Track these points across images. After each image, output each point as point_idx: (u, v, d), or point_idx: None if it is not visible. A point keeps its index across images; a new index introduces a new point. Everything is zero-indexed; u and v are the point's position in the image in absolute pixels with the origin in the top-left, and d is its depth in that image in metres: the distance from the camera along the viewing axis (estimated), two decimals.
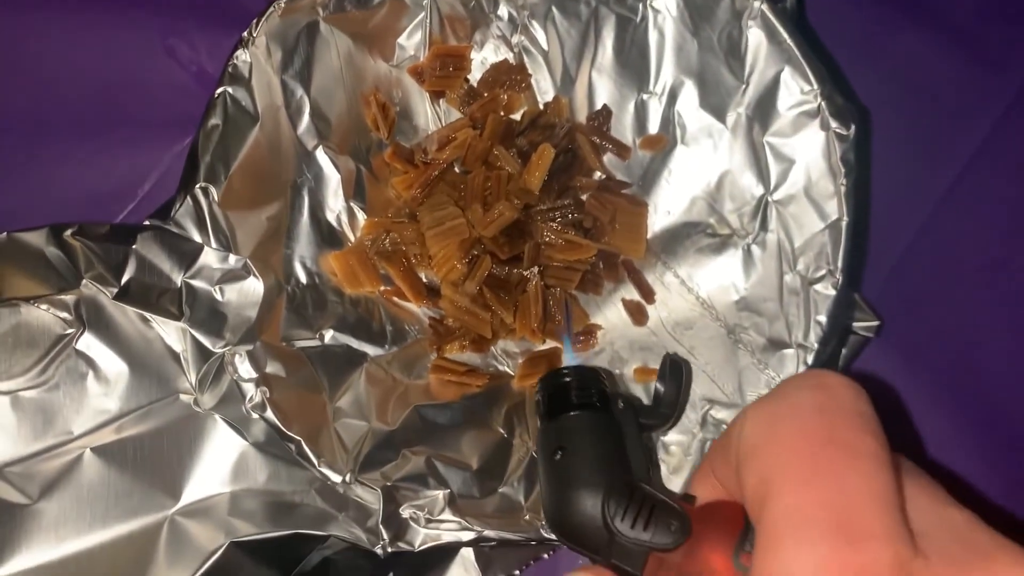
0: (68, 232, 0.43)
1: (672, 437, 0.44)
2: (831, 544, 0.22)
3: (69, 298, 0.42)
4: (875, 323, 0.46)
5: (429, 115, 0.51)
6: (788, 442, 0.25)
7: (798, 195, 0.44)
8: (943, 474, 0.47)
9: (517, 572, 0.44)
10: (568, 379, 0.38)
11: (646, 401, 0.45)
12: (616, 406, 0.37)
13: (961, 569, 0.22)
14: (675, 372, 0.42)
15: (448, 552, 0.44)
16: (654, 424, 0.41)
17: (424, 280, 0.48)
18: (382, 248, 0.47)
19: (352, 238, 0.48)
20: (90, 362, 0.43)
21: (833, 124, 0.43)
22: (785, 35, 0.43)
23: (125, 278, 0.42)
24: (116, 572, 0.41)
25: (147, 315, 0.43)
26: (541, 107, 0.50)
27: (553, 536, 0.38)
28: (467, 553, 0.44)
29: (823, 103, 0.43)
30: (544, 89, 0.50)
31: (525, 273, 0.47)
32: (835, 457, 0.24)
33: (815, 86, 0.43)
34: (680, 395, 0.42)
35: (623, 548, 0.31)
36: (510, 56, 0.50)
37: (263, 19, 0.44)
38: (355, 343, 0.45)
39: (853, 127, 0.42)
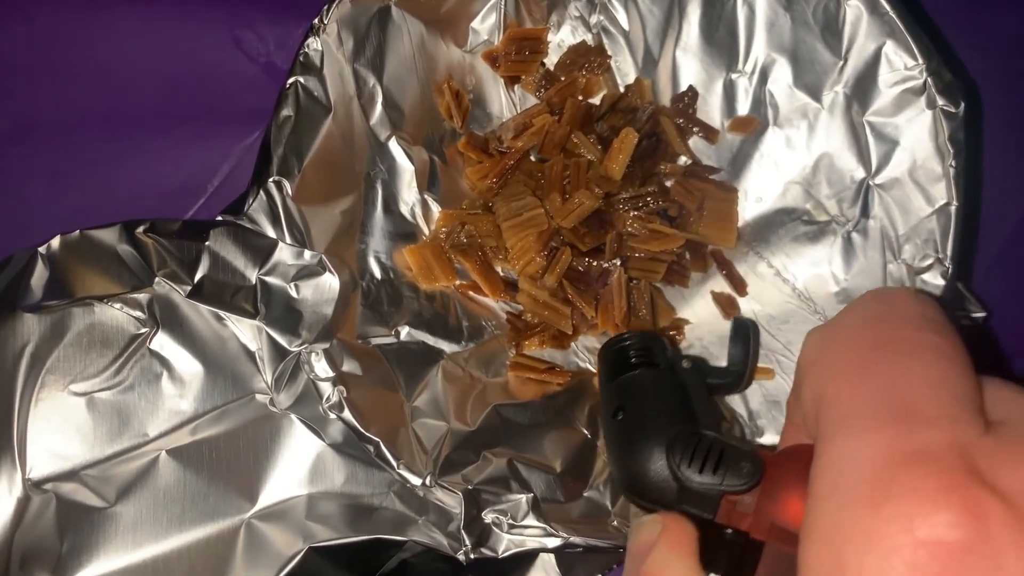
0: (140, 229, 0.42)
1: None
2: (886, 431, 0.21)
3: (142, 296, 0.42)
4: (982, 314, 0.44)
5: (504, 102, 0.49)
6: (841, 352, 0.24)
7: (902, 178, 0.42)
8: None
9: None
10: (627, 342, 0.36)
11: None
12: (680, 365, 0.36)
13: None
14: (741, 332, 0.40)
15: (529, 554, 0.42)
16: (723, 384, 0.39)
17: (501, 273, 0.47)
18: (457, 241, 0.46)
19: (426, 231, 0.46)
20: (164, 362, 0.42)
21: (940, 101, 0.40)
22: (887, 7, 0.41)
23: (198, 276, 0.41)
24: None
25: (221, 313, 0.42)
26: (622, 90, 0.49)
27: None
28: (548, 557, 0.42)
29: (929, 79, 0.41)
30: (625, 71, 0.49)
31: (607, 265, 0.46)
32: (889, 354, 0.23)
33: (920, 61, 0.41)
34: (749, 354, 0.40)
35: (694, 494, 0.29)
36: (588, 37, 0.49)
37: (334, 5, 0.43)
38: (431, 339, 0.44)
39: (963, 104, 0.40)
